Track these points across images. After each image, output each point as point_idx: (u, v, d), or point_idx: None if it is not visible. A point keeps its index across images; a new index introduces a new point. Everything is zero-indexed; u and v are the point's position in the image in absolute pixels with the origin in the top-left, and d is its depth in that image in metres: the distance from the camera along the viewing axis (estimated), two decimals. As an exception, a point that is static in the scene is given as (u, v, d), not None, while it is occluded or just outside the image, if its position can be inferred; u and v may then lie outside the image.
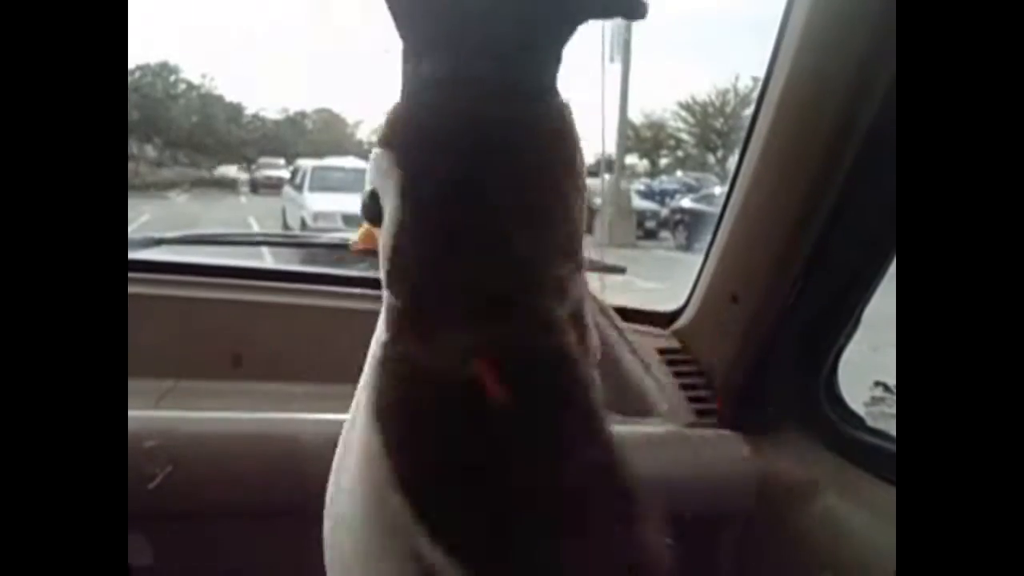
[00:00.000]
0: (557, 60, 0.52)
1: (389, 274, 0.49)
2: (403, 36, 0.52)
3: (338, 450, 0.53)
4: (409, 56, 0.52)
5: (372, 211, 0.53)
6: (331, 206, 5.47)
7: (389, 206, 0.49)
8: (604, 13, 0.51)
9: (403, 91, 0.52)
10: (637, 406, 1.01)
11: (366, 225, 0.54)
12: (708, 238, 1.02)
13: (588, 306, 0.51)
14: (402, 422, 0.45)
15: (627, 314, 1.11)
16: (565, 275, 0.49)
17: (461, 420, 0.43)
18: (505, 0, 0.49)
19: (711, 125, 12.68)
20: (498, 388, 0.43)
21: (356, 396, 0.51)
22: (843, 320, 0.92)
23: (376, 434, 0.46)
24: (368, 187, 0.53)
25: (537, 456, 0.44)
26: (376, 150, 0.52)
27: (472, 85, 0.49)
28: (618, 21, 0.54)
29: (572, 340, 0.47)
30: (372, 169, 0.53)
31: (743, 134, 0.92)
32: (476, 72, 0.49)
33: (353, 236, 0.60)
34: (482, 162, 0.48)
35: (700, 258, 1.04)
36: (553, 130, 0.51)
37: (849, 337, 0.93)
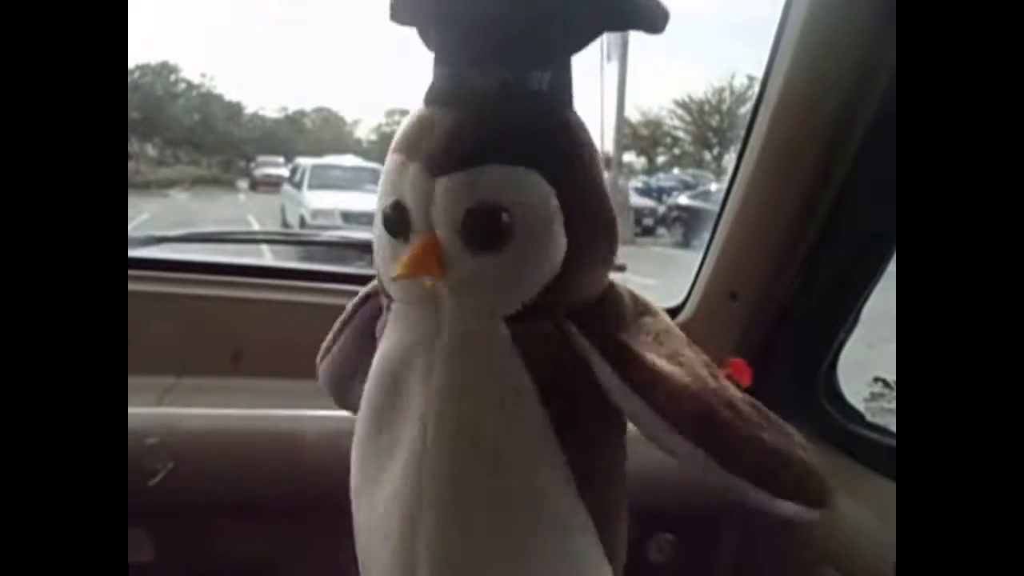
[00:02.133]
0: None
1: None
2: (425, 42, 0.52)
3: None
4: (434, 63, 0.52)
5: (398, 223, 0.51)
6: (330, 204, 5.44)
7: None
8: (625, 26, 0.51)
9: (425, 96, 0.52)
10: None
11: (416, 246, 0.50)
12: (705, 235, 1.02)
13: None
14: None
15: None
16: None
17: None
18: (520, 9, 0.49)
19: (707, 123, 12.65)
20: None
21: None
22: (842, 317, 0.92)
23: None
24: (391, 197, 0.51)
25: None
26: (396, 157, 0.51)
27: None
28: None
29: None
30: (393, 178, 0.51)
31: (740, 132, 0.92)
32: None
33: (352, 234, 0.60)
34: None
35: (697, 255, 1.04)
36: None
37: (848, 334, 0.93)
